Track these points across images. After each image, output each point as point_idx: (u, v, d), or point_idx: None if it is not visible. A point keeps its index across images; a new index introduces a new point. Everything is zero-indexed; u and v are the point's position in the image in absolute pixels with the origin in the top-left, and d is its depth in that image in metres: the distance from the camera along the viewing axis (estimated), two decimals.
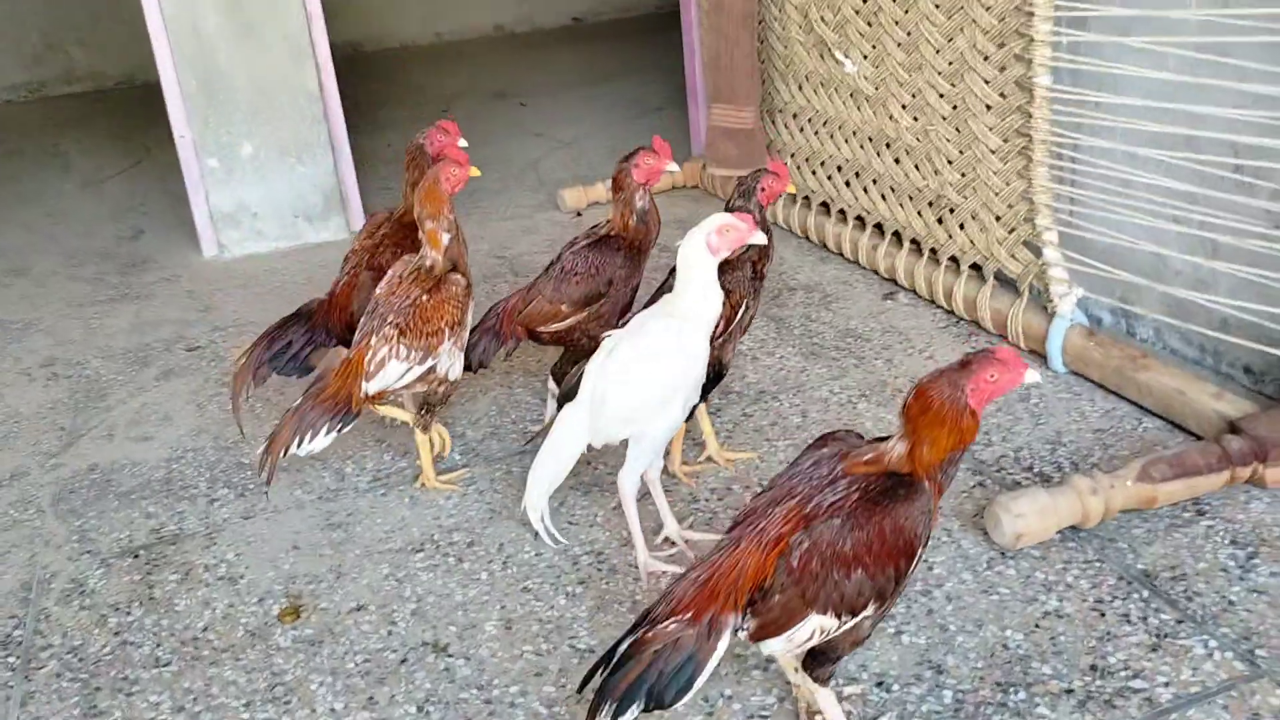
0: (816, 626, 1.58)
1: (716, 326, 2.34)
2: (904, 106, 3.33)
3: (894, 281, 3.53)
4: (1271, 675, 1.81)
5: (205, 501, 2.64)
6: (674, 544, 2.27)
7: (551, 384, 2.73)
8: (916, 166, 3.34)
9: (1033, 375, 1.57)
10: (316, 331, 2.67)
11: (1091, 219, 2.75)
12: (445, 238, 2.48)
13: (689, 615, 1.57)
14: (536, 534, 2.29)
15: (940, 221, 3.29)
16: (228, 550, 2.43)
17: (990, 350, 1.55)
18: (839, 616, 1.57)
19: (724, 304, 2.29)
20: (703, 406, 2.56)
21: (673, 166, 2.58)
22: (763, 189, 2.49)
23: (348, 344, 2.80)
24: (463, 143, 2.89)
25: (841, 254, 3.79)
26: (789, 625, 1.58)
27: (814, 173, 3.92)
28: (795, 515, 1.59)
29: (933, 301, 3.34)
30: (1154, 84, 2.48)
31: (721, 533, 2.24)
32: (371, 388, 2.41)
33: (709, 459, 2.59)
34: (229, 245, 4.47)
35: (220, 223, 4.44)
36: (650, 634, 1.58)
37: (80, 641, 2.16)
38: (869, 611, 1.58)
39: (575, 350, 2.68)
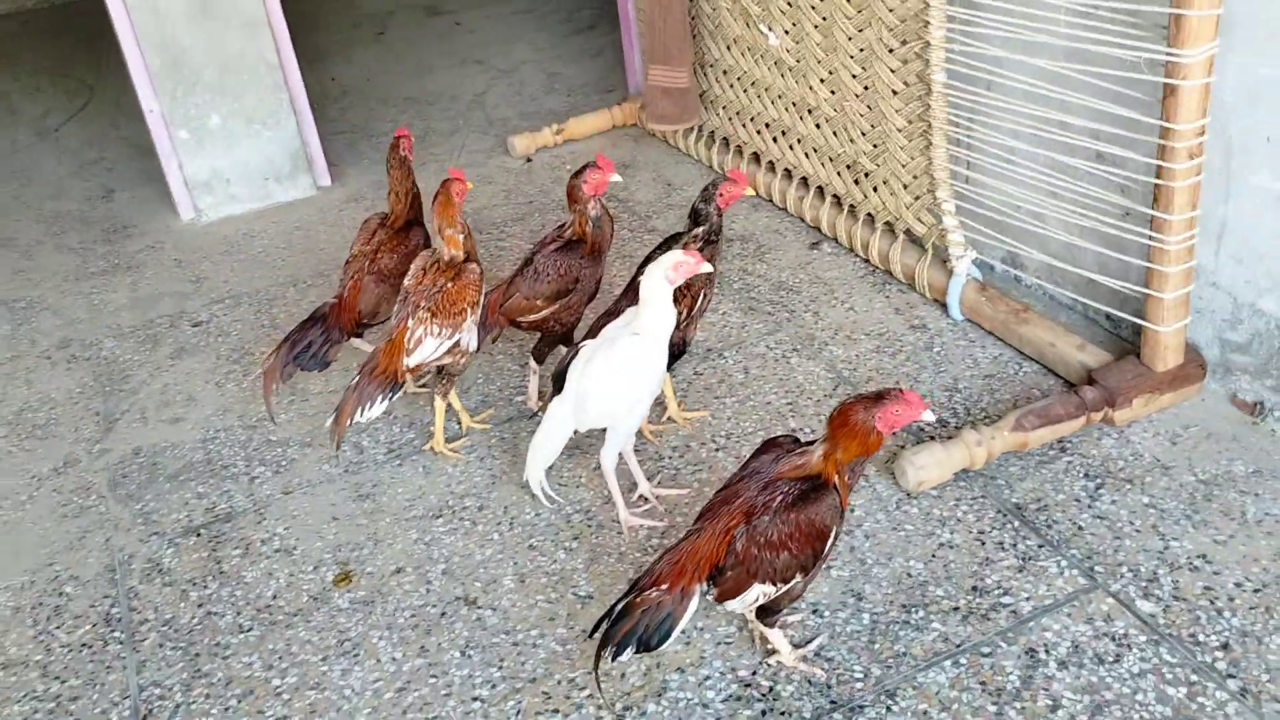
0: (760, 592, 2.13)
1: (681, 312, 2.83)
2: (822, 81, 3.75)
3: (819, 230, 4.01)
4: (1104, 587, 2.41)
5: (247, 480, 3.11)
6: (647, 500, 2.81)
7: (532, 363, 3.21)
8: (835, 134, 3.78)
9: (929, 415, 2.07)
10: (331, 331, 3.12)
11: (985, 186, 3.25)
12: (460, 238, 2.98)
13: (665, 586, 2.12)
14: (533, 497, 2.81)
15: (857, 183, 3.76)
16: (277, 524, 2.92)
17: (900, 391, 2.06)
18: (775, 585, 2.12)
19: (685, 294, 2.79)
20: (666, 374, 3.07)
21: (615, 178, 3.02)
22: (721, 194, 2.94)
23: (360, 336, 3.28)
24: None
25: (772, 202, 4.26)
26: (739, 592, 2.13)
27: (744, 126, 4.34)
28: (739, 512, 2.12)
29: (853, 251, 3.84)
30: (1034, 71, 2.93)
31: (686, 487, 2.80)
32: (411, 361, 2.92)
33: (669, 419, 3.11)
34: (205, 210, 4.79)
35: (195, 189, 4.75)
36: (639, 599, 2.12)
37: (171, 615, 2.66)
38: (798, 579, 2.13)
39: (550, 334, 3.16)
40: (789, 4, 3.77)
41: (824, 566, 2.20)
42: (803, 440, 2.23)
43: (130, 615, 2.67)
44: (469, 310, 2.97)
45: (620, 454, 2.75)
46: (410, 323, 2.93)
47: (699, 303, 2.90)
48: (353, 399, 2.90)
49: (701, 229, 2.92)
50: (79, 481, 3.19)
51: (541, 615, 2.53)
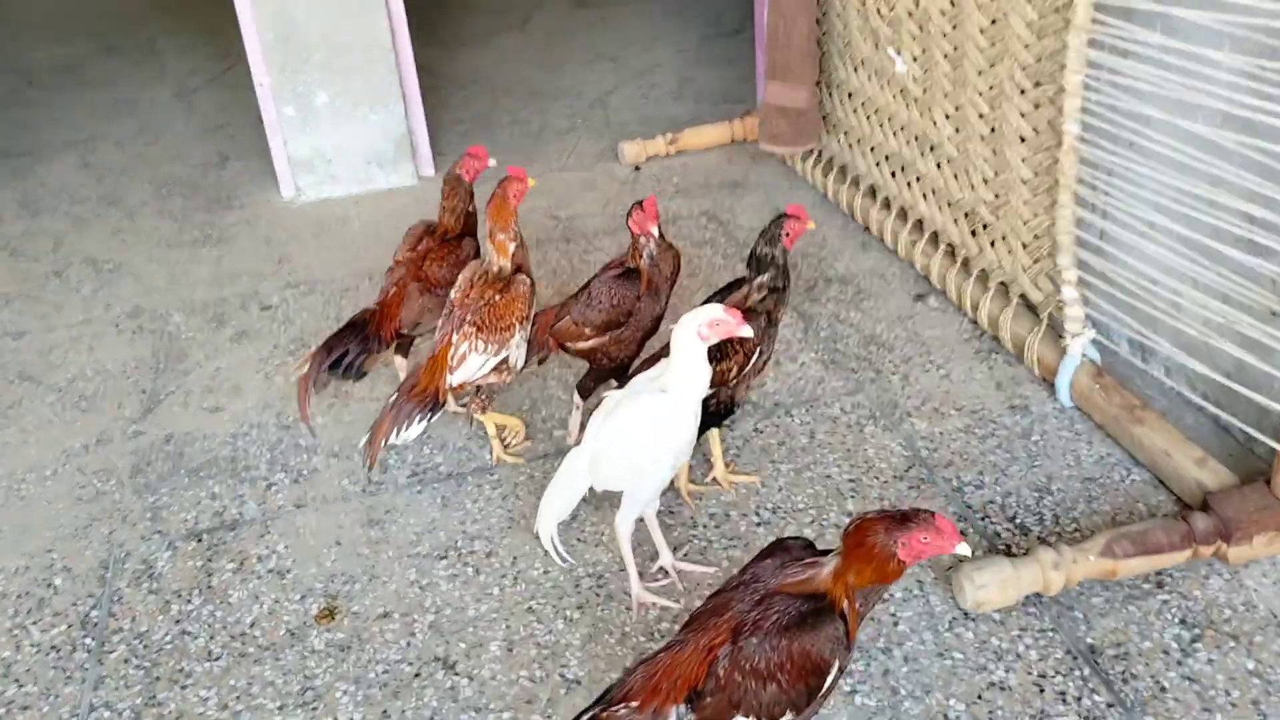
0: None
1: (731, 369, 2.52)
2: (947, 116, 3.34)
3: (927, 280, 3.60)
4: None
5: (264, 486, 2.94)
6: (667, 574, 2.50)
7: (576, 396, 2.94)
8: (955, 176, 3.37)
9: (964, 548, 1.71)
10: (370, 340, 2.92)
11: (1115, 259, 2.79)
12: (512, 246, 2.76)
13: (636, 704, 1.81)
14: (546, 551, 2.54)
15: (974, 234, 3.34)
16: (279, 541, 2.74)
17: (932, 515, 1.70)
18: None
19: (738, 349, 2.47)
20: (715, 430, 2.75)
21: (653, 228, 2.72)
22: (787, 234, 2.61)
23: (401, 350, 3.07)
24: (492, 161, 3.06)
25: (882, 241, 3.86)
26: None
27: (864, 155, 3.96)
28: (727, 629, 1.79)
29: (960, 310, 3.42)
30: (1184, 135, 2.48)
31: (714, 564, 2.48)
32: (455, 379, 2.72)
33: (714, 480, 2.79)
34: (305, 189, 4.70)
35: (297, 167, 4.66)
36: (605, 714, 1.82)
37: (146, 628, 2.50)
38: (789, 718, 1.79)
39: (598, 367, 2.88)
40: (919, 28, 3.37)
41: (819, 707, 1.85)
42: (818, 547, 1.89)
43: (107, 621, 2.53)
44: (517, 326, 2.74)
45: (642, 517, 2.45)
46: (454, 338, 2.72)
47: (753, 360, 2.57)
48: (389, 418, 2.70)
49: (766, 276, 2.59)
50: (104, 463, 3.09)
51: (520, 695, 2.26)
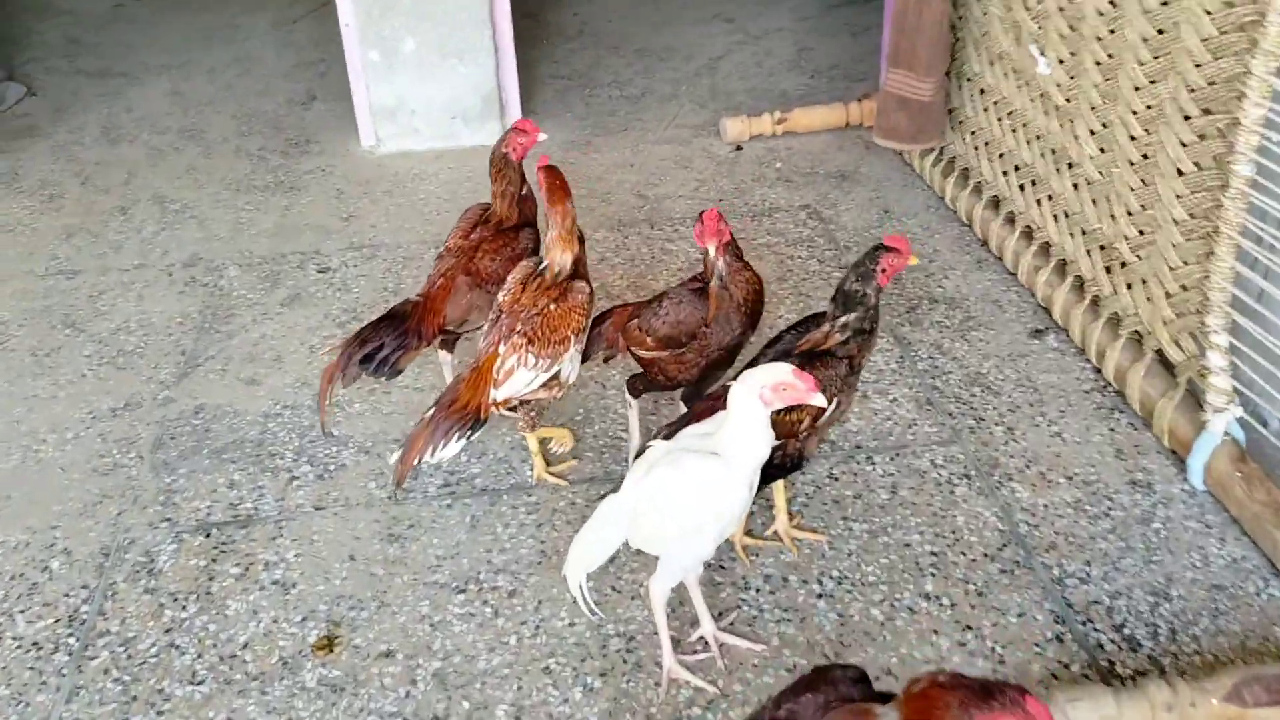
0: None
1: (802, 419, 2.18)
2: (1092, 132, 2.89)
3: (1048, 314, 3.18)
4: None
5: (286, 478, 2.71)
6: (707, 646, 2.19)
7: (628, 394, 2.63)
8: (1094, 202, 2.93)
9: None
10: (408, 336, 2.63)
11: (1275, 328, 2.35)
12: (572, 239, 2.46)
13: None
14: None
15: (1109, 271, 2.91)
16: (290, 547, 2.50)
17: (1023, 695, 1.34)
18: None
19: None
20: (780, 482, 2.41)
21: (711, 246, 2.35)
22: (883, 270, 2.23)
23: (447, 345, 2.78)
24: (542, 136, 2.72)
25: (1001, 261, 3.44)
26: None
27: (990, 161, 3.52)
28: None
29: (1083, 354, 3.00)
30: None
31: (763, 641, 2.16)
32: (500, 394, 2.43)
33: (774, 535, 2.45)
34: (385, 139, 4.44)
35: (378, 116, 4.40)
36: None
37: (134, 634, 2.29)
38: None
39: (653, 380, 2.56)
40: (1070, 27, 2.91)
41: None
42: (875, 690, 1.54)
43: (96, 620, 2.33)
44: (572, 339, 2.43)
45: (684, 580, 2.14)
46: (501, 349, 2.42)
47: (829, 412, 2.21)
48: (424, 435, 2.40)
49: (852, 316, 2.22)
50: (128, 431, 2.90)
51: None
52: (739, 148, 4.38)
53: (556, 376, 2.46)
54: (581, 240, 2.50)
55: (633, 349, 2.57)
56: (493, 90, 4.38)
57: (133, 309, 3.45)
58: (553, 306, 2.42)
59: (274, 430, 2.88)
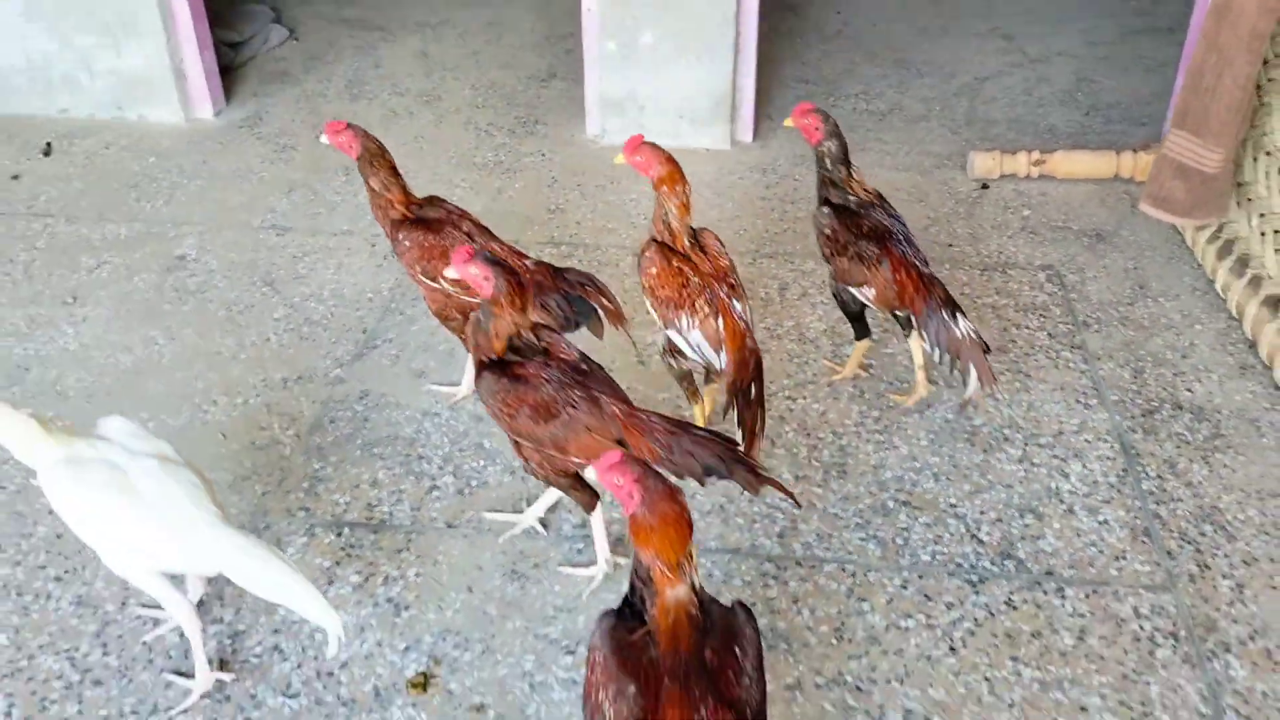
0: None
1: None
2: None
3: None
4: None
5: (427, 486, 2.62)
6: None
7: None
8: None
9: None
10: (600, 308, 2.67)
11: None
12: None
13: None
14: None
15: None
16: (414, 564, 2.40)
17: None
18: None
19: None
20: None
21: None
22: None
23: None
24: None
25: (1270, 371, 2.93)
26: None
27: (1277, 251, 2.99)
28: None
29: None
30: None
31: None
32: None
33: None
34: (610, 131, 4.30)
35: (607, 106, 4.26)
36: None
37: (245, 627, 2.25)
38: None
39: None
40: None
41: None
42: None
43: (212, 605, 2.30)
44: None
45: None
46: (738, 306, 2.48)
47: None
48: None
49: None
50: (292, 406, 2.89)
51: None
52: (985, 186, 3.97)
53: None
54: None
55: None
56: (726, 93, 4.15)
57: (329, 276, 3.46)
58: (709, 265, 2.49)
59: (428, 430, 2.80)
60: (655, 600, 1.57)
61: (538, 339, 2.18)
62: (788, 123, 2.71)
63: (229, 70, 4.84)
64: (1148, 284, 3.38)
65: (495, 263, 2.12)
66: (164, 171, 4.10)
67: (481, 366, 2.19)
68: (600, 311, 2.62)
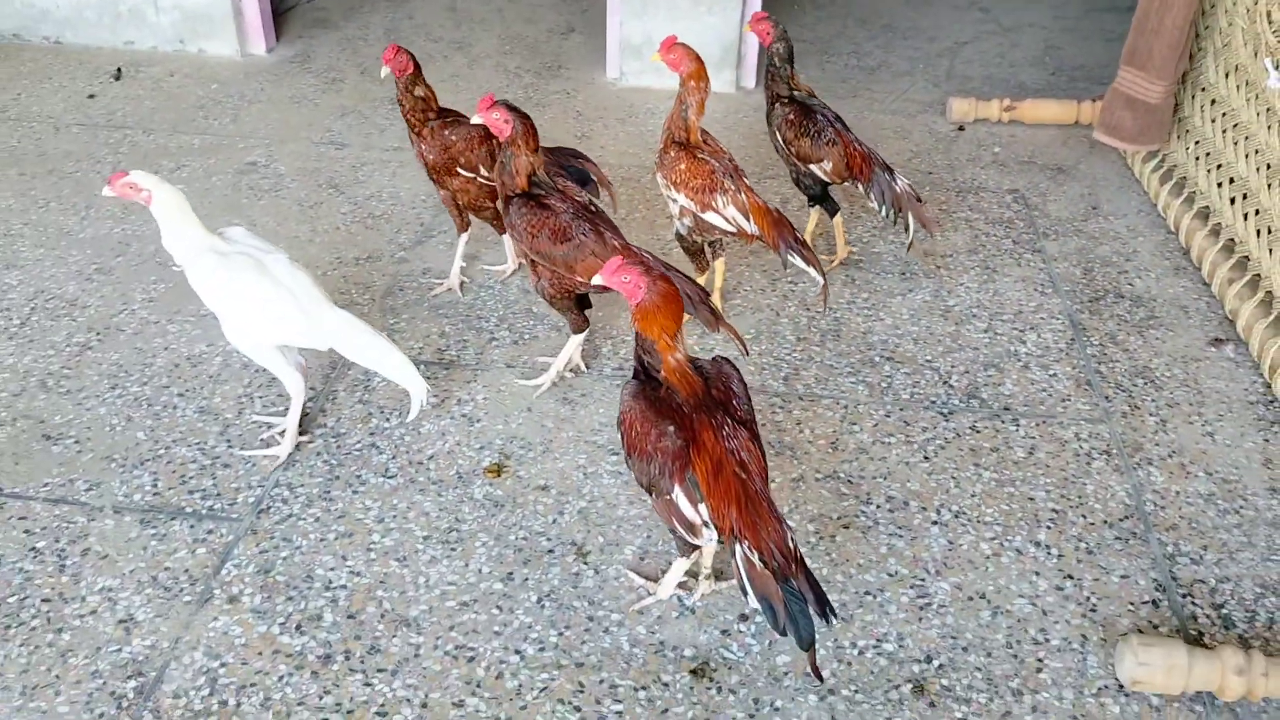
0: None
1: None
2: None
3: (1232, 325, 3.19)
4: None
5: (487, 338, 3.09)
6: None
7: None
8: None
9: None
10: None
11: None
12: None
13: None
14: None
15: None
16: (481, 391, 2.87)
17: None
18: None
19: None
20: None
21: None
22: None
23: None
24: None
25: (1199, 270, 3.45)
26: None
27: (1207, 173, 3.52)
28: None
29: (1258, 367, 3.01)
30: None
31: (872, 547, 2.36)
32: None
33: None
34: (628, 74, 4.78)
35: (625, 51, 4.74)
36: None
37: (345, 430, 2.72)
38: None
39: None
40: None
41: None
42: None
43: (316, 415, 2.77)
44: None
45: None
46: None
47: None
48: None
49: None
50: (366, 278, 3.35)
51: (632, 603, 2.27)
52: (961, 128, 4.49)
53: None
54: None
55: None
56: (734, 41, 4.65)
57: (386, 182, 3.93)
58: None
59: (484, 299, 3.27)
60: (662, 363, 2.03)
61: (553, 182, 2.67)
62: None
63: (277, 14, 5.29)
64: (1100, 206, 3.91)
65: (513, 109, 2.61)
66: (226, 96, 4.55)
67: (508, 200, 2.67)
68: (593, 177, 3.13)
